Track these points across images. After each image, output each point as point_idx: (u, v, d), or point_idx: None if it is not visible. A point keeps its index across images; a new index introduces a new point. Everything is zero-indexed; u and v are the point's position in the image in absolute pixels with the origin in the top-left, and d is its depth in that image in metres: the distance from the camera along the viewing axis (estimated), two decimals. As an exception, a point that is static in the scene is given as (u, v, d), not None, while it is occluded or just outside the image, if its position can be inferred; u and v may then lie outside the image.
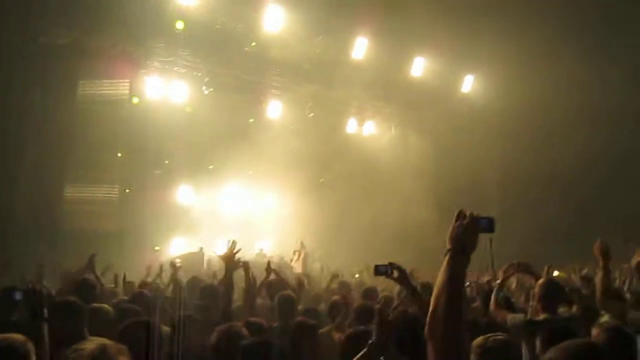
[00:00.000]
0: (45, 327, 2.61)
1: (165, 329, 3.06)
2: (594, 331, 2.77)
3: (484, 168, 15.97)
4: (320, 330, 3.96)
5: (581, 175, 13.57)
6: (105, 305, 3.90)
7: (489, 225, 1.96)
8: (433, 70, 15.04)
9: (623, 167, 13.25)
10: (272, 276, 5.94)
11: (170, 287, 6.33)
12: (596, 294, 4.09)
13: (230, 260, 4.24)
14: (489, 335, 2.73)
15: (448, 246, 1.92)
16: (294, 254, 13.14)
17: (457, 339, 1.74)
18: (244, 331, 3.04)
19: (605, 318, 3.96)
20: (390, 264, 3.25)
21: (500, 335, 2.73)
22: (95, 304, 3.79)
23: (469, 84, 16.19)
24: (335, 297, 4.96)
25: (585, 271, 6.72)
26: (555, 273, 7.21)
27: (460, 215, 1.95)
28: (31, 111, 10.60)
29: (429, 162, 16.19)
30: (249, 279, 4.94)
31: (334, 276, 7.93)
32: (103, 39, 11.51)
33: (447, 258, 1.90)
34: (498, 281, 4.71)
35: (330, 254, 13.80)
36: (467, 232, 1.92)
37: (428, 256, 11.38)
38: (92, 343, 1.47)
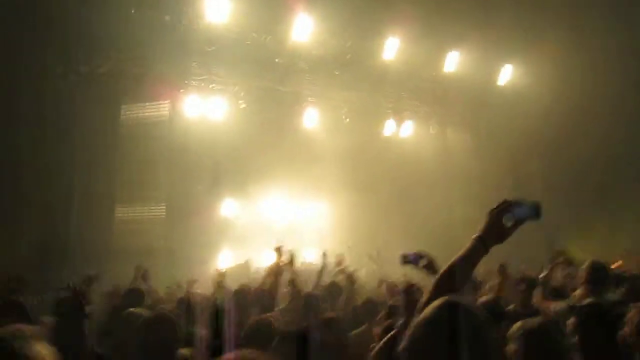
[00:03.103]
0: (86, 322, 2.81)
1: None
2: (631, 312, 2.65)
3: (527, 160, 15.49)
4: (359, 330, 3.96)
5: (627, 165, 12.97)
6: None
7: (532, 212, 1.86)
8: (468, 63, 14.77)
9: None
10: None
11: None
12: None
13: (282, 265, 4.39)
14: (527, 319, 2.66)
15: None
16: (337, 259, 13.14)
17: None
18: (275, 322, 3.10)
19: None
20: (418, 252, 3.22)
21: (538, 319, 2.65)
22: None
23: (506, 74, 15.80)
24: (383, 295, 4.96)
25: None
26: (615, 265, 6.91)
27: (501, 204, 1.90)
28: (80, 138, 11.12)
29: (470, 158, 15.85)
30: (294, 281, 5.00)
31: (381, 281, 7.87)
32: (140, 64, 11.95)
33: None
34: (543, 273, 4.58)
35: (374, 259, 13.69)
36: (491, 220, 1.87)
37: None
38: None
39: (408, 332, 1.53)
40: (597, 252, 6.10)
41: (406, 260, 3.20)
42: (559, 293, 4.38)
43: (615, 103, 12.76)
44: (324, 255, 6.49)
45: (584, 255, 4.94)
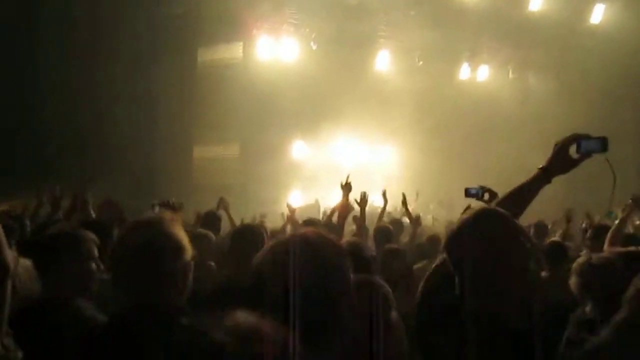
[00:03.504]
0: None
1: None
2: None
3: (620, 108, 14.45)
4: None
5: None
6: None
7: (599, 145, 1.87)
8: (554, 1, 13.71)
9: None
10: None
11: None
12: None
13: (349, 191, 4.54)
14: (593, 254, 2.64)
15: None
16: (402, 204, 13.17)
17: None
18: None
19: None
20: (482, 187, 3.23)
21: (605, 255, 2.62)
22: None
23: (598, 14, 14.54)
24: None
25: None
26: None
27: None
28: (158, 79, 11.61)
29: (552, 106, 15.00)
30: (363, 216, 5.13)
31: (450, 223, 7.86)
32: (215, 6, 12.10)
33: None
34: (617, 219, 4.41)
35: (444, 205, 13.59)
36: (557, 151, 1.91)
37: (553, 203, 10.85)
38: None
39: None
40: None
41: (469, 193, 3.23)
42: (631, 240, 4.22)
43: None
44: (384, 194, 6.55)
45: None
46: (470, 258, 1.57)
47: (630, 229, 5.07)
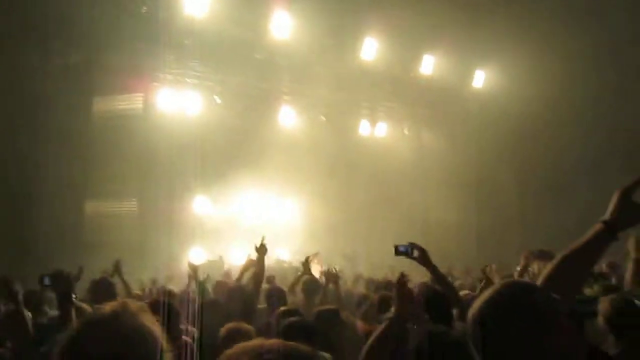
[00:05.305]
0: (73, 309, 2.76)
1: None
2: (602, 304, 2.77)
3: (499, 164, 15.81)
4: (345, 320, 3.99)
5: (599, 168, 13.34)
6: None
7: None
8: (442, 67, 14.97)
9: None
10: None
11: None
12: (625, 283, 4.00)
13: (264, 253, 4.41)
14: None
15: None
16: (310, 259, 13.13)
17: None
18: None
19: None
20: (411, 243, 3.24)
21: None
22: None
23: (480, 79, 16.08)
24: (361, 291, 5.00)
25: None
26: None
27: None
28: (52, 129, 10.80)
29: (443, 161, 16.08)
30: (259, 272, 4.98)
31: (358, 276, 7.90)
32: (114, 56, 11.68)
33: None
34: (518, 268, 4.66)
35: (349, 258, 13.74)
36: (622, 201, 1.61)
37: (451, 255, 11.45)
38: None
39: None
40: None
41: (399, 251, 3.22)
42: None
43: (586, 105, 13.15)
44: (306, 260, 6.45)
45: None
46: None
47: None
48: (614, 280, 5.02)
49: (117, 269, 5.61)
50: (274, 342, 1.14)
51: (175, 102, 13.06)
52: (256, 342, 1.16)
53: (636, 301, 2.78)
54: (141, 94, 12.87)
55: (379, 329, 2.52)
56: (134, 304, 1.38)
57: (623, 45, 12.48)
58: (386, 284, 5.41)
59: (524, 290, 1.48)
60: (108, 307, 1.36)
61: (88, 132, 12.01)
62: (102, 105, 12.46)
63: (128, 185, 12.63)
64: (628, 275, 3.94)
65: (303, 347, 1.15)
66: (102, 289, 4.75)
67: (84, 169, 11.73)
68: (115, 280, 5.48)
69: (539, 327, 1.37)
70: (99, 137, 12.12)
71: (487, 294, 1.47)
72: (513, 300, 1.42)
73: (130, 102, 12.89)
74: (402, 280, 2.64)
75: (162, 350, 1.32)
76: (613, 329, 2.72)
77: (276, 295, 4.98)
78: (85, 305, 3.87)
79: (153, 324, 1.34)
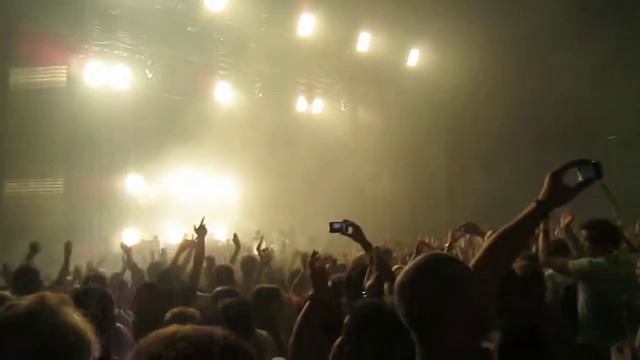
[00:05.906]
0: None
1: None
2: None
3: (431, 143, 16.28)
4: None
5: (530, 146, 14.03)
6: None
7: (594, 172, 1.69)
8: (378, 44, 15.06)
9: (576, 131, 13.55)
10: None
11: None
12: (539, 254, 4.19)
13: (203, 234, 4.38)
14: None
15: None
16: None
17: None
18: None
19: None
20: (345, 220, 3.30)
21: None
22: None
23: (414, 57, 16.34)
24: (297, 267, 5.10)
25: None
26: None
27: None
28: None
29: (379, 138, 16.36)
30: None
31: (297, 253, 7.90)
32: (33, 24, 10.84)
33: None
34: (447, 244, 4.78)
35: (287, 234, 13.77)
36: (553, 182, 1.72)
37: (386, 227, 11.75)
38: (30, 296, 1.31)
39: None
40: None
41: (334, 228, 3.28)
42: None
43: (507, 83, 13.74)
44: (235, 236, 6.44)
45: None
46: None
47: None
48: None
49: (33, 251, 5.36)
50: (187, 328, 1.13)
51: (103, 76, 12.36)
52: (170, 328, 1.14)
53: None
54: (64, 67, 12.07)
55: (302, 312, 2.59)
56: (54, 297, 1.29)
57: (543, 28, 13.00)
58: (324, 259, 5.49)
59: (439, 260, 1.59)
60: (25, 302, 1.26)
61: (5, 105, 11.18)
62: (21, 77, 11.59)
63: (53, 164, 11.91)
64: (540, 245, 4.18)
65: (219, 331, 1.14)
66: (24, 278, 4.51)
67: (1, 147, 10.94)
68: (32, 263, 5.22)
69: (450, 296, 1.47)
70: (17, 112, 11.31)
71: (408, 266, 1.60)
72: (427, 269, 1.54)
73: (53, 75, 12.07)
74: (312, 261, 2.73)
75: (88, 343, 1.27)
76: None
77: (225, 274, 4.99)
78: (7, 294, 3.65)
79: (75, 317, 1.28)
